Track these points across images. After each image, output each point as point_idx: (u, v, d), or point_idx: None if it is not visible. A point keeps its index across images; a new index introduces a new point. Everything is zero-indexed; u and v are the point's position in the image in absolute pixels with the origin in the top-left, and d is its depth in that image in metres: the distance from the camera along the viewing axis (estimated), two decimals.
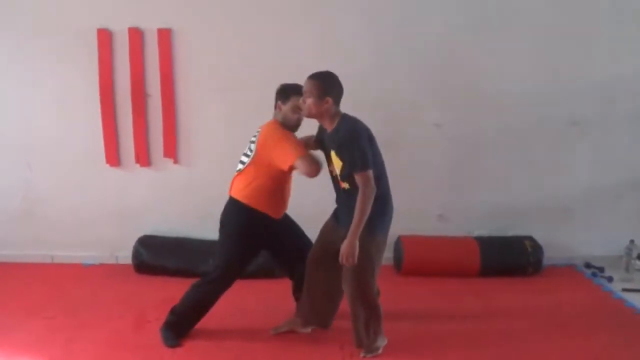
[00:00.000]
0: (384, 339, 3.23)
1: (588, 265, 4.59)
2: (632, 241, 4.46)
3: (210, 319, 3.36)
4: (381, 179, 3.03)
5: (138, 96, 4.42)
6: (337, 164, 2.98)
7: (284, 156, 3.05)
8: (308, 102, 2.97)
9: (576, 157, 4.56)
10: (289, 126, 3.19)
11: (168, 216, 4.57)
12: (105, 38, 4.33)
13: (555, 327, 3.56)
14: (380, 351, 3.18)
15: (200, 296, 3.31)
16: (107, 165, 4.52)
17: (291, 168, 3.07)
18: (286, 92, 3.18)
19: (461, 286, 4.20)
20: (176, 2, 4.33)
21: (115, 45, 4.35)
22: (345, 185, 3.01)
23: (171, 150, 4.49)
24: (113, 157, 4.51)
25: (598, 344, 3.35)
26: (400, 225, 4.43)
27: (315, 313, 3.37)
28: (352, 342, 3.20)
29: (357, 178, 2.89)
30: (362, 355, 3.15)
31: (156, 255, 4.37)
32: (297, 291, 3.51)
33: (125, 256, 4.49)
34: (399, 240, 4.47)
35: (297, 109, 3.13)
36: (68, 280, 4.32)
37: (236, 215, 3.25)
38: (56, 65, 4.38)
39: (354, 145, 2.89)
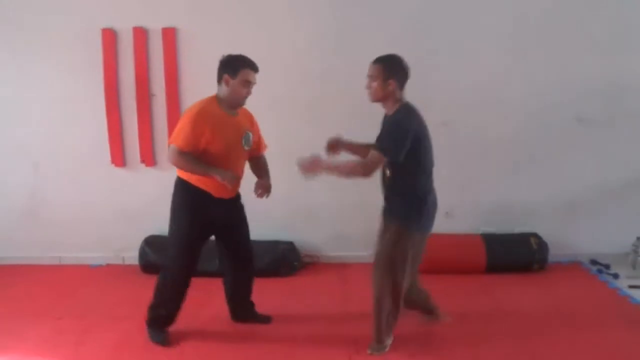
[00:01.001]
0: (390, 336, 3.23)
1: (594, 262, 4.59)
2: (638, 238, 4.45)
3: (219, 318, 3.37)
4: (422, 177, 3.03)
5: (143, 96, 4.42)
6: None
7: (173, 134, 3.06)
8: (373, 85, 2.96)
9: (582, 154, 4.55)
10: (234, 101, 3.11)
11: None
12: (109, 38, 4.33)
13: (561, 324, 3.56)
14: (387, 350, 3.18)
15: (164, 286, 3.27)
16: (113, 165, 4.53)
17: (208, 148, 3.02)
18: (235, 65, 3.06)
19: (467, 283, 4.21)
20: (180, 1, 4.33)
21: (119, 45, 4.36)
22: (387, 171, 3.02)
23: None
24: (118, 157, 4.51)
25: (604, 341, 3.35)
26: None
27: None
28: (370, 336, 3.19)
29: (371, 153, 2.89)
30: (369, 352, 3.15)
31: (163, 255, 4.34)
32: (227, 293, 3.53)
33: (132, 257, 4.50)
34: None
35: (247, 83, 3.06)
36: (75, 281, 4.34)
37: (178, 191, 3.21)
38: (61, 65, 4.40)
39: (394, 130, 2.90)
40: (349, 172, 2.93)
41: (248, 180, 3.32)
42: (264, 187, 3.31)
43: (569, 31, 4.35)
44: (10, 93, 4.47)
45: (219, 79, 3.12)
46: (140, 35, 4.33)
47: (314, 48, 4.32)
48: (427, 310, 3.46)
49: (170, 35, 4.33)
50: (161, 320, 3.32)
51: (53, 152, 4.55)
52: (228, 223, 3.30)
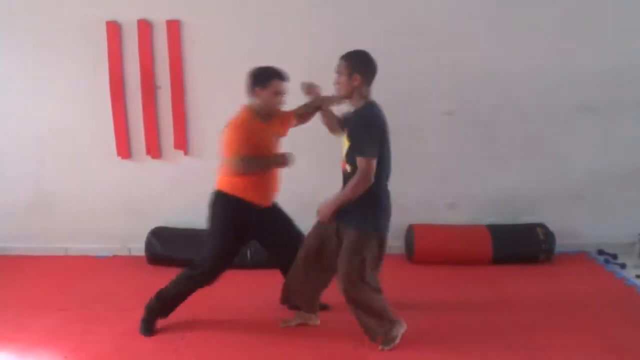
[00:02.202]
0: (402, 324, 3.17)
1: (601, 252, 4.56)
2: None
3: (223, 307, 3.41)
4: (381, 177, 3.01)
5: (148, 88, 4.43)
6: (345, 144, 3.00)
7: (225, 148, 3.11)
8: (340, 81, 2.99)
9: (588, 143, 4.52)
10: (268, 111, 3.18)
11: (180, 207, 4.59)
12: (114, 30, 4.34)
13: (568, 314, 3.55)
14: (398, 340, 3.13)
15: (187, 287, 3.32)
16: (118, 157, 4.54)
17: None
18: (266, 76, 3.14)
19: (473, 274, 4.19)
20: None
21: (124, 37, 4.37)
22: (347, 167, 3.02)
23: (181, 142, 4.51)
24: (124, 149, 4.53)
25: (612, 331, 3.34)
26: (411, 214, 4.49)
27: (304, 299, 3.40)
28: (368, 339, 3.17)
29: (359, 162, 2.89)
30: (380, 349, 3.12)
31: (168, 247, 4.39)
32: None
33: (138, 248, 4.51)
34: (410, 229, 4.46)
35: (278, 94, 3.13)
36: (82, 272, 4.37)
37: (221, 206, 3.25)
38: (66, 58, 4.41)
39: (367, 130, 2.90)
40: (355, 192, 2.93)
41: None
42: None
43: (574, 18, 4.31)
44: (16, 86, 4.49)
45: (249, 91, 3.20)
46: (145, 27, 4.33)
47: (320, 39, 4.30)
48: (307, 307, 3.43)
49: (174, 28, 4.33)
50: (162, 311, 3.37)
51: (59, 145, 4.56)
52: (267, 223, 3.32)
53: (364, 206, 2.99)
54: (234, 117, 3.19)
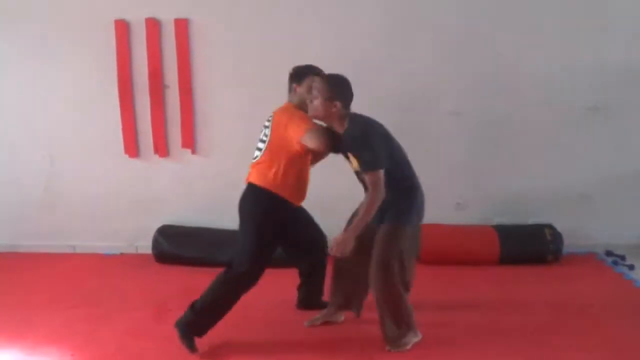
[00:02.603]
0: (417, 334, 3.15)
1: (609, 254, 4.53)
2: None
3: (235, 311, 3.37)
4: (404, 172, 3.01)
5: (156, 87, 4.44)
6: (355, 163, 2.97)
7: (294, 132, 2.98)
8: (315, 102, 2.94)
9: (597, 143, 4.49)
10: (305, 108, 3.12)
11: (187, 206, 4.60)
12: (122, 29, 4.35)
13: (575, 316, 3.52)
14: (409, 347, 3.10)
15: (226, 294, 3.09)
16: (126, 156, 4.56)
17: (303, 147, 2.99)
18: (301, 74, 3.18)
19: (480, 275, 4.18)
20: None
21: (132, 36, 4.38)
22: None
23: (189, 141, 4.51)
24: (132, 148, 4.54)
25: (620, 333, 3.31)
26: None
27: (347, 297, 3.38)
28: (381, 339, 3.14)
29: (367, 178, 2.88)
30: (387, 348, 3.10)
31: (176, 245, 4.41)
32: (303, 282, 3.55)
33: (145, 246, 4.53)
34: None
35: (312, 89, 3.06)
36: (89, 270, 4.39)
37: (257, 202, 3.14)
38: (74, 57, 4.43)
39: (364, 146, 2.88)
40: (370, 212, 2.88)
41: None
42: None
43: (585, 17, 4.29)
44: (24, 86, 4.51)
45: (290, 89, 3.22)
46: (153, 26, 4.35)
47: (329, 37, 4.31)
48: (336, 300, 3.40)
49: (182, 26, 4.34)
50: (205, 326, 3.09)
51: (68, 144, 4.59)
52: (297, 221, 3.31)
53: (396, 202, 2.97)
54: (280, 109, 3.18)
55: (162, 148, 4.55)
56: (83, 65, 4.44)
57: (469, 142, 4.49)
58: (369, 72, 4.23)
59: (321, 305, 3.52)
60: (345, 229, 3.03)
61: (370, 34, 4.30)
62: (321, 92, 2.91)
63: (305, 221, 3.41)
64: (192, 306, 3.09)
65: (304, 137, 2.93)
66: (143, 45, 4.38)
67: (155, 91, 4.45)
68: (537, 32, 4.32)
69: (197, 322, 3.08)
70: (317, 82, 2.98)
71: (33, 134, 4.59)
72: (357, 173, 3.07)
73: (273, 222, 3.15)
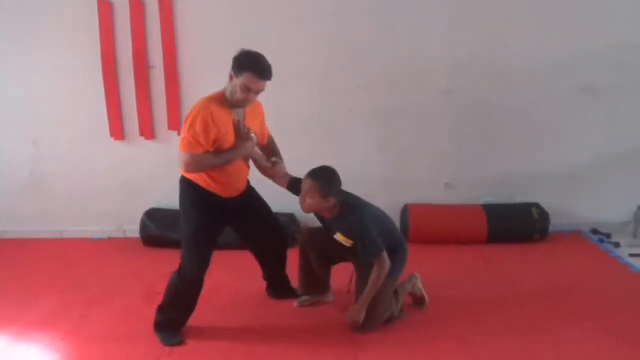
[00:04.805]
0: (403, 314, 3.29)
1: (595, 232, 4.59)
2: (639, 207, 4.45)
3: (220, 290, 3.41)
4: (394, 238, 3.17)
5: (141, 68, 4.38)
6: (348, 240, 3.07)
7: (180, 141, 2.86)
8: (309, 201, 2.98)
9: (584, 123, 4.51)
10: (233, 102, 2.88)
11: (174, 189, 4.45)
12: (105, 10, 4.27)
13: (562, 293, 3.58)
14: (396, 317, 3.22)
15: (179, 291, 3.06)
16: (112, 139, 4.50)
17: (217, 147, 2.88)
18: (241, 65, 2.81)
19: (468, 253, 4.22)
20: None
21: (116, 16, 4.30)
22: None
23: (175, 123, 4.46)
24: (117, 130, 4.49)
25: (605, 310, 3.36)
26: (407, 193, 4.50)
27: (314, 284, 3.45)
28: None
29: (374, 262, 3.00)
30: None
31: (163, 228, 4.38)
32: (265, 273, 3.55)
33: (133, 229, 4.51)
34: (406, 209, 4.47)
35: (245, 89, 2.80)
36: (78, 254, 4.36)
37: (184, 193, 3.06)
38: (57, 39, 4.35)
39: (364, 237, 2.98)
40: (378, 285, 3.02)
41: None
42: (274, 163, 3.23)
43: None
44: (6, 69, 4.42)
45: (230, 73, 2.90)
46: (137, 6, 4.27)
47: (317, 21, 4.26)
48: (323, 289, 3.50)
49: (167, 6, 4.26)
50: (173, 324, 3.12)
51: (52, 127, 4.52)
52: (241, 208, 3.16)
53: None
54: (197, 103, 2.92)
55: (147, 130, 4.50)
56: (66, 47, 4.35)
57: (458, 122, 4.49)
58: (358, 52, 4.21)
59: (294, 294, 3.51)
60: (356, 301, 3.14)
61: (359, 13, 4.25)
62: (318, 192, 2.94)
63: (257, 213, 3.28)
64: (159, 308, 3.13)
65: (180, 154, 2.87)
66: (127, 25, 4.30)
67: (140, 72, 4.38)
68: (527, 13, 4.29)
69: (167, 321, 3.11)
70: (308, 184, 2.95)
71: (17, 118, 4.50)
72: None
73: (203, 212, 3.02)
